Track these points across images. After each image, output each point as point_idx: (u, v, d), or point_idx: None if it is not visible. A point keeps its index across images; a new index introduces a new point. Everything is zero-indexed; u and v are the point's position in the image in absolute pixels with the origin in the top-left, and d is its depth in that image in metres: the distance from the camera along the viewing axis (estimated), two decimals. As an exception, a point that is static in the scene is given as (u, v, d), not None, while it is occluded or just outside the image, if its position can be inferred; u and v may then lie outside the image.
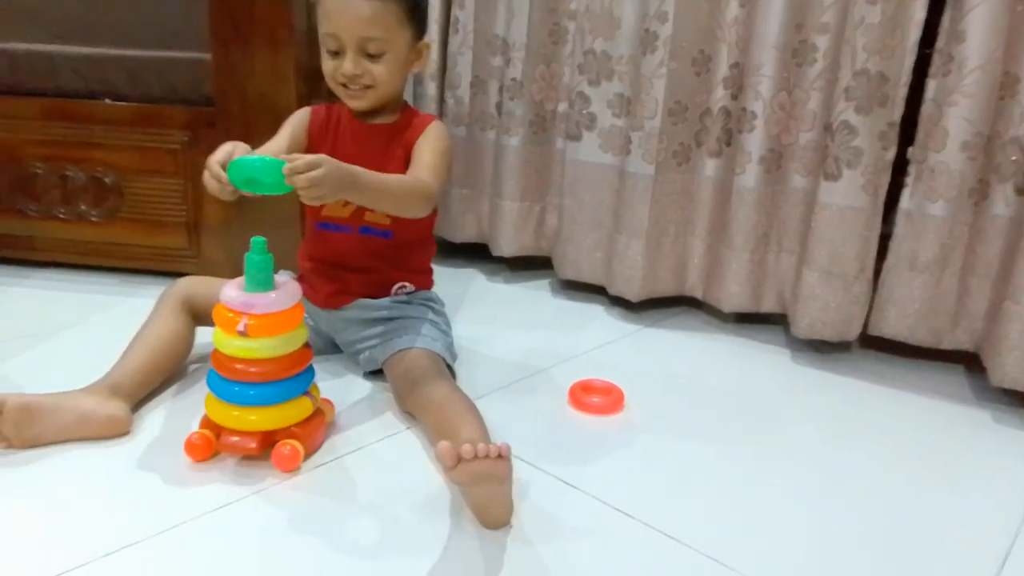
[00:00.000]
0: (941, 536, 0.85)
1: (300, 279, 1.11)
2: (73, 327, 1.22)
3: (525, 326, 1.35)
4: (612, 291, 1.40)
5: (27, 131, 1.38)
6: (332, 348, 1.17)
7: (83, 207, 1.40)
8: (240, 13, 1.26)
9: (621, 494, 0.87)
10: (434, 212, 1.09)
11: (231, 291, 0.86)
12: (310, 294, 1.10)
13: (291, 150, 1.05)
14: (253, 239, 0.85)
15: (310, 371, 0.92)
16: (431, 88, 1.59)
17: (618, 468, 0.93)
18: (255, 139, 1.28)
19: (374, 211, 1.07)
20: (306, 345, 0.92)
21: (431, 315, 1.13)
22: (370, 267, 1.11)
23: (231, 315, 0.85)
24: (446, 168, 1.07)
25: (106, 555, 0.74)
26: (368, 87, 1.03)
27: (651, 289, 1.38)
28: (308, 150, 1.08)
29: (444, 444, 0.73)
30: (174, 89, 1.35)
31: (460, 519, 0.82)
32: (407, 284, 1.14)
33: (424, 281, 1.18)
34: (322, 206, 1.08)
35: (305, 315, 1.11)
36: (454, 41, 1.53)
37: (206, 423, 0.90)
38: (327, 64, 1.03)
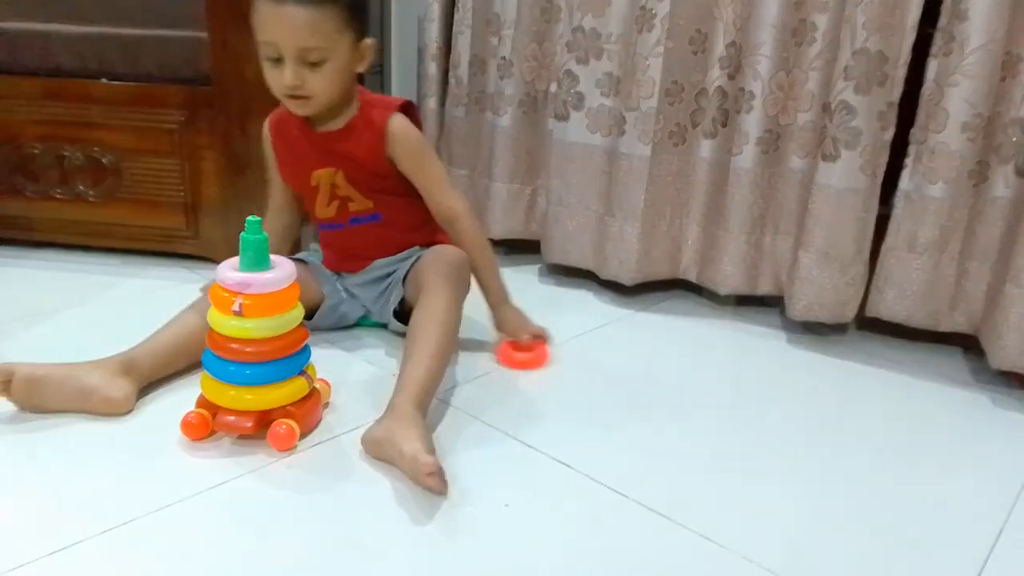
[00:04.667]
0: (936, 517, 0.85)
1: (325, 254, 1.20)
2: (73, 308, 1.22)
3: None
4: (604, 275, 1.39)
5: (24, 111, 1.37)
6: (363, 315, 1.21)
7: (81, 187, 1.40)
8: (236, -9, 1.25)
9: (615, 475, 0.88)
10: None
11: (226, 270, 0.86)
12: (331, 264, 1.18)
13: (290, 195, 1.17)
14: (248, 219, 0.85)
15: (306, 351, 0.92)
16: (432, 68, 1.58)
17: (614, 451, 0.93)
18: (252, 119, 1.28)
19: (355, 200, 1.11)
20: (302, 325, 0.92)
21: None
22: (375, 243, 1.15)
23: (226, 295, 0.85)
24: (439, 162, 1.14)
25: (103, 532, 0.74)
26: (308, 97, 1.01)
27: (646, 272, 1.37)
28: (278, 165, 1.15)
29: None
30: (171, 68, 1.35)
31: (456, 495, 0.82)
32: (416, 246, 1.16)
33: (439, 239, 1.18)
34: (315, 210, 1.14)
35: (337, 285, 1.17)
36: (457, 19, 1.51)
37: (202, 402, 0.90)
38: (268, 73, 1.01)
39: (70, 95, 1.36)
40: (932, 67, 1.10)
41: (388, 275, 1.16)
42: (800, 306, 1.24)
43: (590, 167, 1.38)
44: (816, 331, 1.29)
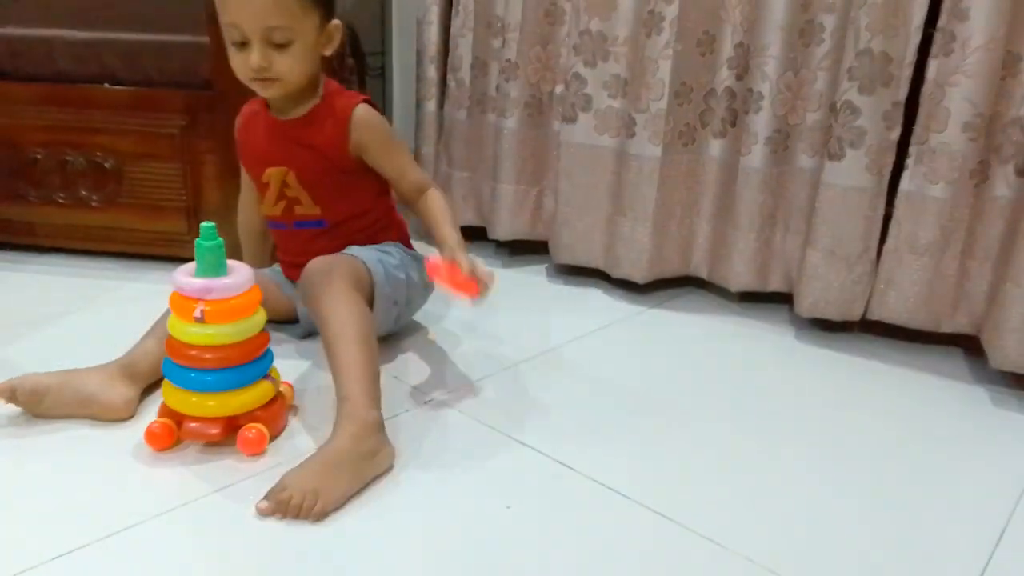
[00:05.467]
0: (939, 514, 0.85)
1: (280, 259, 1.20)
2: (75, 312, 1.23)
3: (524, 310, 1.35)
4: (616, 274, 1.40)
5: (26, 116, 1.37)
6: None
7: (83, 192, 1.40)
8: (237, -4, 1.25)
9: (624, 478, 0.88)
10: (385, 190, 1.14)
11: (183, 277, 0.85)
12: (287, 272, 1.18)
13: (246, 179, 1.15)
14: (202, 225, 0.84)
15: (268, 355, 0.91)
16: (431, 71, 1.58)
17: (621, 451, 0.94)
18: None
19: (302, 203, 1.09)
20: (264, 329, 0.90)
21: (374, 249, 1.11)
22: (314, 249, 1.09)
23: (186, 302, 0.84)
24: (407, 148, 1.12)
25: (55, 557, 0.73)
26: (275, 80, 1.00)
27: (658, 270, 1.38)
28: (239, 155, 1.16)
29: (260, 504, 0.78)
30: (172, 73, 1.35)
31: (458, 496, 0.82)
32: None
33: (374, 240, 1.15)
34: (263, 203, 1.13)
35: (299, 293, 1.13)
36: (455, 23, 1.52)
37: (165, 411, 0.88)
38: (234, 57, 1.00)
39: (72, 100, 1.36)
40: (933, 67, 1.10)
41: None
42: (807, 303, 1.24)
43: (598, 168, 1.38)
44: (824, 328, 1.29)
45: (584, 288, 1.45)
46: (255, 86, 1.02)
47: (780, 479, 0.90)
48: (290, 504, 0.77)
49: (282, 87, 1.01)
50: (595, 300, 1.40)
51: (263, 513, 0.78)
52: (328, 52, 1.05)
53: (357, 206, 1.12)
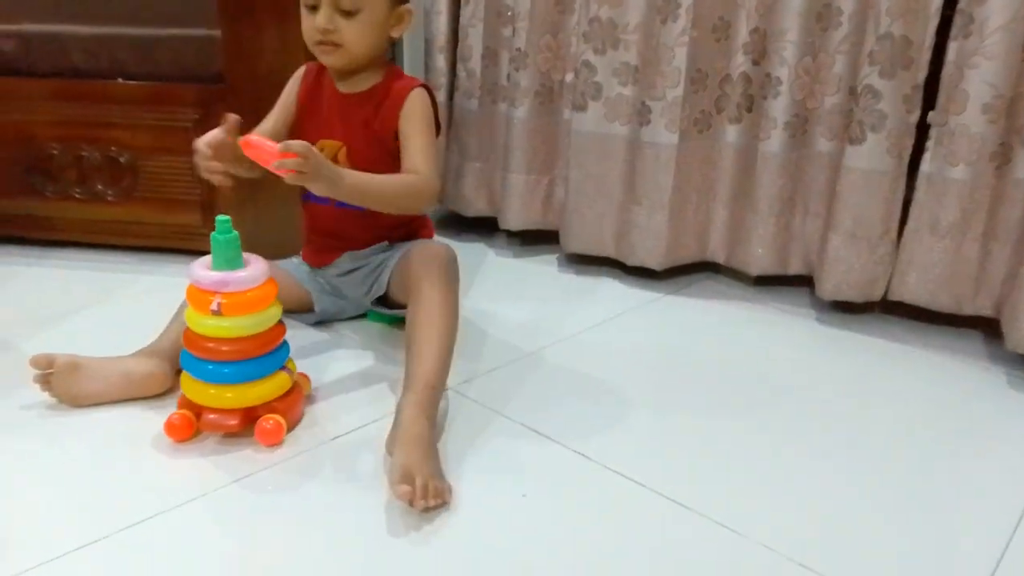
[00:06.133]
0: (957, 497, 0.85)
1: (305, 245, 1.19)
2: (94, 306, 1.24)
3: (535, 300, 1.34)
4: (631, 262, 1.40)
5: (41, 112, 1.38)
6: (347, 310, 1.21)
7: (99, 187, 1.41)
8: (248, -12, 1.25)
9: (640, 466, 0.87)
10: None
11: (200, 270, 0.85)
12: (309, 258, 1.18)
13: (281, 128, 1.11)
14: (217, 218, 0.84)
15: (285, 347, 0.92)
16: (439, 60, 1.58)
17: (636, 439, 0.93)
18: (265, 115, 1.28)
19: None
20: (280, 321, 0.91)
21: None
22: (353, 233, 1.13)
23: (204, 295, 0.85)
24: (435, 144, 1.06)
25: (80, 547, 0.73)
26: (338, 45, 1.01)
27: (675, 257, 1.38)
28: (296, 117, 1.12)
29: (400, 489, 0.76)
30: (185, 67, 1.35)
31: (473, 486, 0.82)
32: (385, 242, 1.15)
33: (422, 234, 1.18)
34: None
35: (319, 279, 1.16)
36: (465, 12, 1.51)
37: (184, 403, 0.90)
38: (304, 20, 1.02)
39: (86, 95, 1.37)
40: (952, 49, 1.09)
41: (359, 268, 1.15)
42: (830, 285, 1.24)
43: (610, 156, 1.38)
44: (844, 310, 1.28)
45: (596, 277, 1.44)
46: (317, 50, 1.03)
47: (798, 466, 0.90)
48: (427, 489, 0.77)
49: (344, 56, 1.02)
50: (608, 288, 1.40)
51: (403, 498, 0.76)
52: (396, 35, 1.06)
53: None
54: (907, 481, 0.87)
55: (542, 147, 1.48)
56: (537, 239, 1.57)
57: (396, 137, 1.07)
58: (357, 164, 1.07)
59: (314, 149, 0.86)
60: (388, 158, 1.08)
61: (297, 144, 0.85)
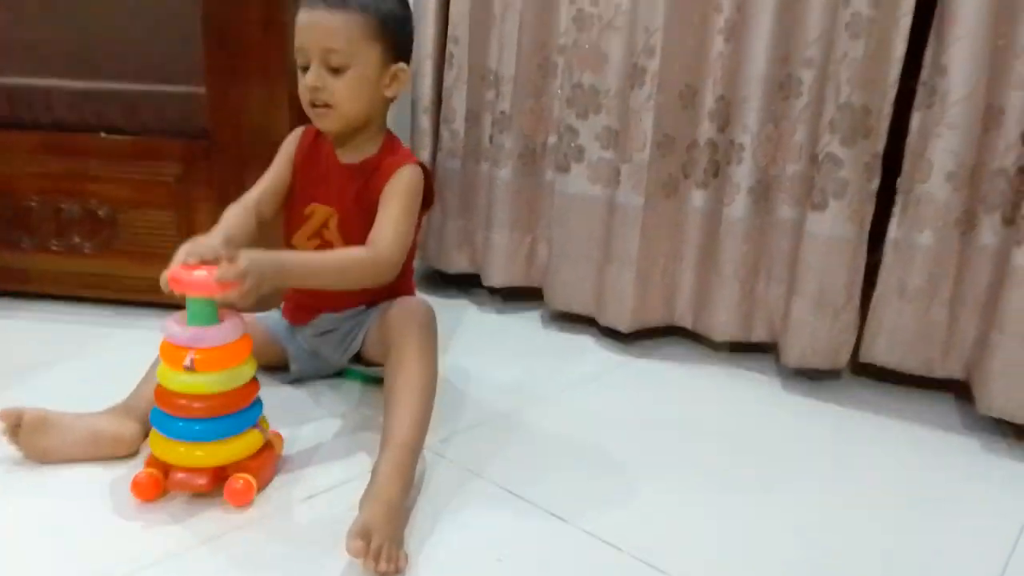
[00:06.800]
0: (931, 566, 0.84)
1: (285, 300, 1.18)
2: (68, 359, 1.22)
3: (515, 358, 1.35)
4: (603, 322, 1.41)
5: (23, 164, 1.38)
6: (324, 370, 1.19)
7: (77, 239, 1.40)
8: (233, 46, 1.28)
9: (610, 527, 0.87)
10: (411, 255, 1.10)
11: (174, 326, 0.85)
12: (288, 314, 1.17)
13: (272, 193, 1.10)
14: (193, 273, 0.84)
15: (258, 404, 0.91)
16: (424, 121, 1.61)
17: (609, 503, 0.93)
18: (249, 171, 1.29)
19: (333, 244, 1.08)
20: (254, 378, 0.90)
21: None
22: (330, 296, 1.12)
23: (177, 350, 0.84)
24: (410, 217, 1.03)
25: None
26: (328, 106, 1.01)
27: (642, 319, 1.38)
28: (291, 180, 1.11)
29: (353, 544, 0.74)
30: (169, 122, 1.37)
31: (448, 549, 0.81)
32: (364, 306, 1.14)
33: (401, 292, 1.15)
34: (293, 235, 1.11)
35: (297, 337, 1.15)
36: (449, 76, 1.55)
37: (152, 462, 0.88)
38: (300, 83, 1.02)
39: (69, 149, 1.38)
40: (916, 119, 1.13)
41: (336, 329, 1.14)
42: (795, 353, 1.24)
43: (593, 217, 1.40)
44: (810, 377, 1.29)
45: (577, 335, 1.45)
46: (312, 114, 1.03)
47: (770, 532, 0.89)
48: (380, 551, 0.75)
49: (337, 118, 1.02)
50: (586, 348, 1.40)
51: (354, 553, 0.74)
52: (391, 94, 1.06)
53: None
54: (884, 547, 0.87)
55: (525, 207, 1.51)
56: (519, 295, 1.58)
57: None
58: (348, 234, 1.08)
59: (246, 258, 0.82)
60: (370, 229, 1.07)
61: (232, 271, 0.81)
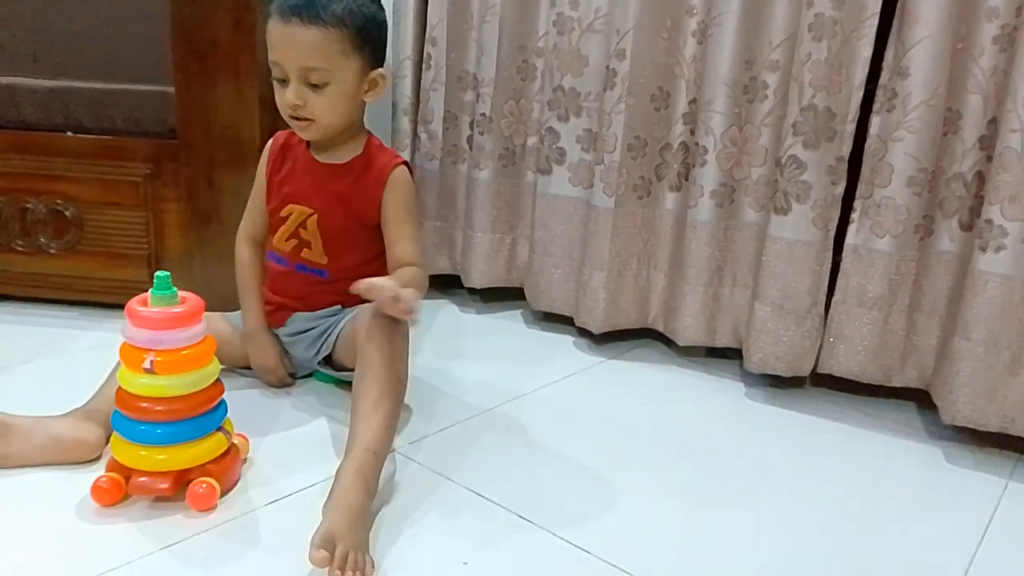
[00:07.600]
0: (894, 574, 0.85)
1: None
2: (33, 361, 1.21)
3: (493, 358, 1.35)
4: (578, 322, 1.42)
5: (-13, 164, 1.37)
6: (295, 371, 1.19)
7: (42, 240, 1.39)
8: (203, 46, 1.27)
9: (577, 530, 0.87)
10: (382, 252, 1.11)
11: (133, 328, 0.84)
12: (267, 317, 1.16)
13: (260, 210, 1.13)
14: (156, 274, 0.83)
15: (222, 406, 0.90)
16: (404, 123, 1.61)
17: (576, 505, 0.93)
18: (218, 171, 1.30)
19: (312, 249, 1.10)
20: (218, 380, 0.89)
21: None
22: (305, 296, 1.13)
23: (137, 352, 0.83)
24: (419, 223, 1.10)
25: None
26: (311, 120, 1.02)
27: (613, 321, 1.39)
28: (267, 189, 1.13)
29: (316, 555, 0.74)
30: (137, 122, 1.35)
31: (414, 552, 0.81)
32: (340, 306, 1.14)
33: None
34: (273, 235, 1.13)
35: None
36: (427, 77, 1.55)
37: (113, 466, 0.87)
38: (277, 94, 1.03)
39: (35, 148, 1.36)
40: (875, 123, 1.13)
41: (310, 329, 1.15)
42: (757, 358, 1.25)
43: (573, 218, 1.42)
44: (775, 383, 1.30)
45: (557, 335, 1.47)
46: (293, 125, 1.04)
47: (739, 534, 0.90)
48: (346, 560, 0.74)
49: (318, 129, 1.03)
50: (563, 349, 1.41)
51: (317, 563, 0.74)
52: (370, 99, 1.07)
53: (362, 265, 1.11)
54: (843, 554, 0.88)
55: (505, 207, 1.52)
56: (499, 295, 1.58)
57: (377, 213, 1.08)
58: (327, 232, 1.09)
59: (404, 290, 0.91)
60: (361, 229, 1.09)
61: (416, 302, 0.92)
